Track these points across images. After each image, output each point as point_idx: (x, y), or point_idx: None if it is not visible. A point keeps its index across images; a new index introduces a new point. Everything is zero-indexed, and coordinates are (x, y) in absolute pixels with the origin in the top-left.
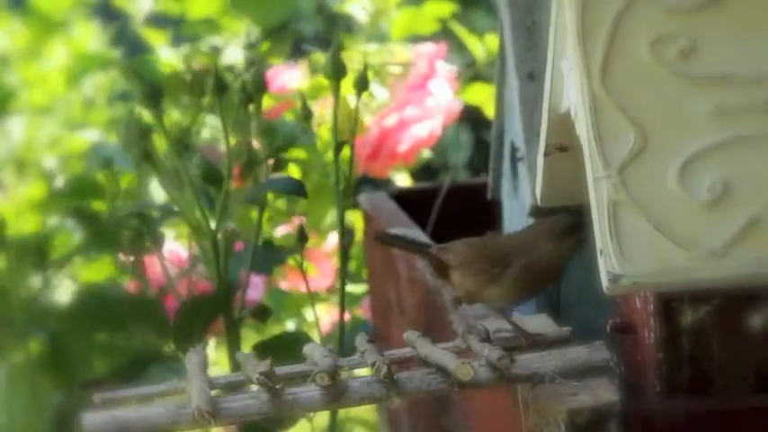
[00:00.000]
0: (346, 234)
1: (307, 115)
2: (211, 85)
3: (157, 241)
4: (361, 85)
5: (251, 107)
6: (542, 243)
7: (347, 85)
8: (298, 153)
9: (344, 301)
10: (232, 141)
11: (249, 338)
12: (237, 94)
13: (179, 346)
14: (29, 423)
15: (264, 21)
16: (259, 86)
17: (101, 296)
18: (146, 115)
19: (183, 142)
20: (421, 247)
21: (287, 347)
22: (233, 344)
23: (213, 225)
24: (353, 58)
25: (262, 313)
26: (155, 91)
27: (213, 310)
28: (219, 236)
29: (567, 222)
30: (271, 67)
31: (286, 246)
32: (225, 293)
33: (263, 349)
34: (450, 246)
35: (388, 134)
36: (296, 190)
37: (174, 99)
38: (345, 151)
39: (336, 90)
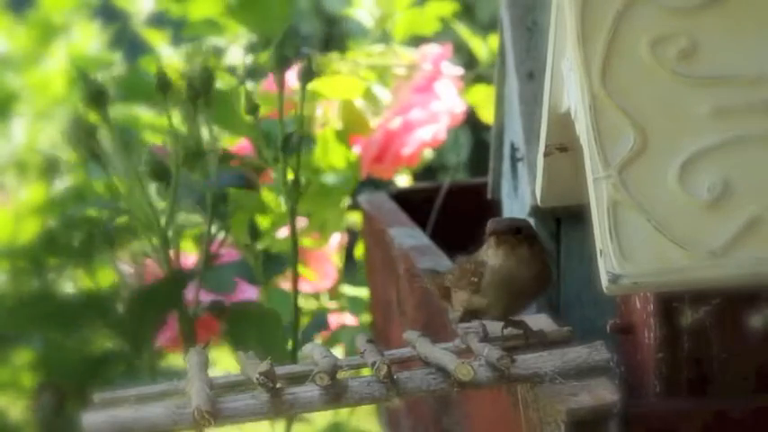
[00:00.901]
0: (348, 235)
1: (252, 108)
2: (156, 84)
3: (111, 243)
4: (306, 75)
5: (199, 102)
6: (494, 250)
7: (352, 89)
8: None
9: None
10: (176, 137)
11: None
12: (185, 90)
13: (131, 340)
14: None
15: (264, 30)
16: (206, 82)
17: (49, 296)
18: (91, 115)
19: (126, 140)
20: (436, 276)
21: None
22: (188, 340)
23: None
24: (356, 59)
25: (218, 309)
26: (100, 92)
27: (164, 301)
28: (170, 232)
29: (511, 228)
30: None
31: (285, 253)
32: (175, 284)
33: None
34: (452, 267)
35: (393, 137)
36: (244, 184)
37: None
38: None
39: (280, 85)
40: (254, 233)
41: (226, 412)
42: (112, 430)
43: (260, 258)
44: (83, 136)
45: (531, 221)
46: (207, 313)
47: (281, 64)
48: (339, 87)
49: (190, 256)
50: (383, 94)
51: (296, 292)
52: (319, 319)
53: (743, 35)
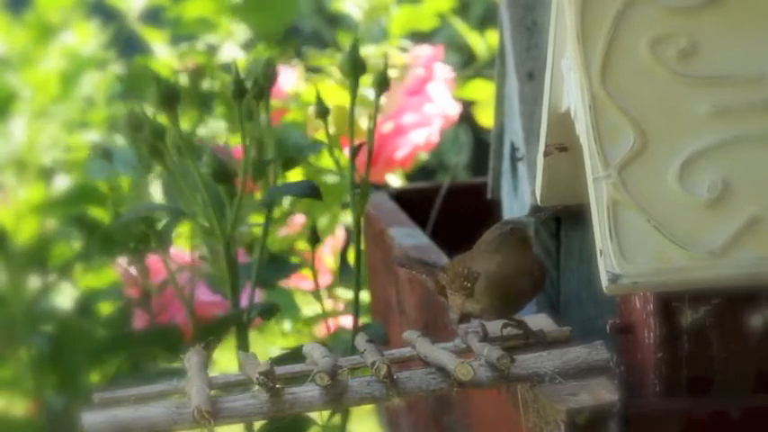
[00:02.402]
0: (347, 235)
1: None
2: (231, 89)
3: (164, 244)
4: (381, 83)
5: (261, 104)
6: (490, 255)
7: (343, 96)
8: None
9: (358, 304)
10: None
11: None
12: (249, 90)
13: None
14: None
15: (267, 28)
16: (269, 82)
17: (116, 338)
18: (159, 116)
19: (190, 142)
20: (431, 269)
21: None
22: (242, 344)
23: (222, 228)
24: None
25: (269, 311)
26: (171, 93)
27: (227, 327)
28: (232, 238)
29: (507, 233)
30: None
31: (291, 258)
32: (238, 310)
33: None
34: (447, 264)
35: (385, 140)
36: (311, 193)
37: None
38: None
39: (354, 88)
40: (315, 239)
41: (226, 412)
42: (112, 430)
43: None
44: (148, 135)
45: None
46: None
47: (356, 70)
48: (330, 95)
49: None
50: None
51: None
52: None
53: (743, 35)
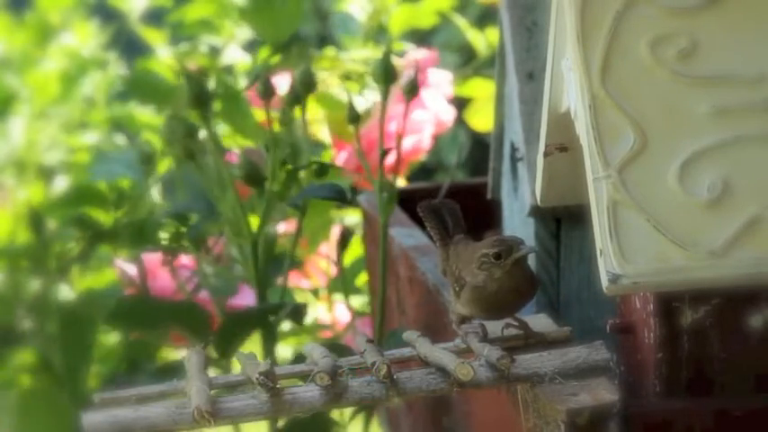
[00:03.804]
0: (345, 235)
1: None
2: (260, 90)
3: (199, 242)
4: (411, 89)
5: (298, 108)
6: (477, 269)
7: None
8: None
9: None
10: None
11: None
12: (286, 94)
13: (220, 355)
14: None
15: (273, 34)
16: (308, 86)
17: (140, 299)
18: (192, 115)
19: (220, 144)
20: (445, 240)
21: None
22: (269, 348)
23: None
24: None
25: (298, 313)
26: (204, 92)
27: (254, 324)
28: (260, 239)
29: (493, 250)
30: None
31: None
32: (266, 308)
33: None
34: (456, 247)
35: (374, 146)
36: (339, 196)
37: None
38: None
39: (385, 95)
40: (345, 243)
41: (226, 412)
42: (112, 430)
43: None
44: (181, 135)
45: (531, 222)
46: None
47: (387, 77)
48: (324, 103)
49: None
50: (369, 99)
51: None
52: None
53: (743, 35)
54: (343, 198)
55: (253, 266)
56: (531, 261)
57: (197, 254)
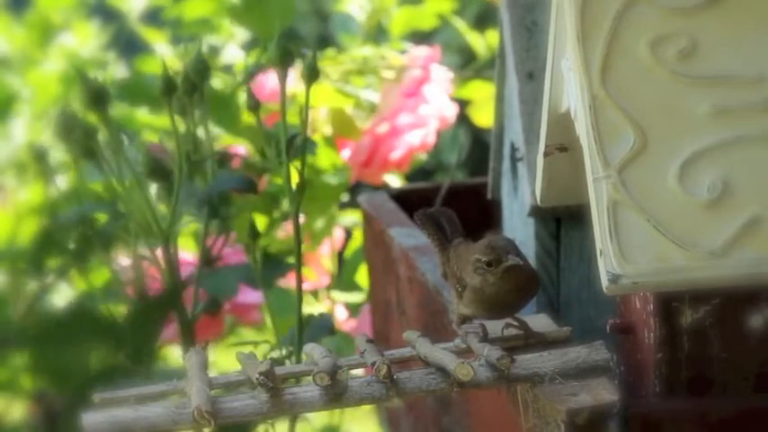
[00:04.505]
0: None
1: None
2: (161, 86)
3: (108, 246)
4: (311, 74)
5: (195, 96)
6: (474, 272)
7: (340, 99)
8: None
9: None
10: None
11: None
12: (181, 84)
13: (134, 352)
14: None
15: (264, 31)
16: (202, 75)
17: (48, 316)
18: (90, 115)
19: (123, 141)
20: (444, 245)
21: None
22: (187, 341)
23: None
24: (344, 63)
25: (213, 307)
26: (100, 92)
27: (164, 308)
28: (171, 236)
29: (484, 258)
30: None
31: (285, 255)
32: (173, 290)
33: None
34: (457, 250)
35: (381, 141)
36: (247, 187)
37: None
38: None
39: (307, 92)
40: (255, 234)
41: (226, 412)
42: (112, 430)
43: (260, 260)
44: (80, 136)
45: (531, 222)
46: (205, 314)
47: (284, 61)
48: (327, 97)
49: (190, 256)
50: (372, 97)
51: (300, 294)
52: (324, 322)
53: (743, 35)
54: (253, 189)
55: (165, 264)
56: (531, 261)
57: (106, 256)
